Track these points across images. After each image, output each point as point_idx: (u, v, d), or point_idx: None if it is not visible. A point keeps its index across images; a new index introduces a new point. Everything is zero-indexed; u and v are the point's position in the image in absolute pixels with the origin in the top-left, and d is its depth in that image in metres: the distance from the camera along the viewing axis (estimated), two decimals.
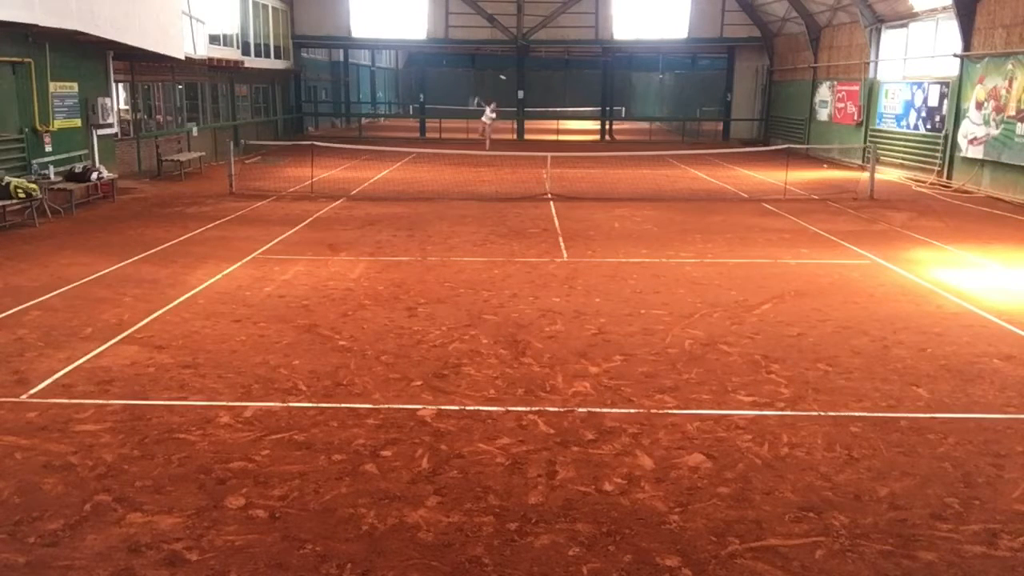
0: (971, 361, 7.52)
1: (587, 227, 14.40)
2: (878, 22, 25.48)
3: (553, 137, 37.14)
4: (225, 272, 10.74)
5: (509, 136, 36.49)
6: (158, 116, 24.17)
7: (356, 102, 48.45)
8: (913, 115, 23.18)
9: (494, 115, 31.27)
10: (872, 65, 25.88)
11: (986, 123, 19.25)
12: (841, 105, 28.01)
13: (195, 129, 25.47)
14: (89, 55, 18.30)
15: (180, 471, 5.26)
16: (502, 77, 41.94)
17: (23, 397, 6.47)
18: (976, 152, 19.65)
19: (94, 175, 16.54)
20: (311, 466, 5.34)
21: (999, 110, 18.69)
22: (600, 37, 36.23)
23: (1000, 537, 4.59)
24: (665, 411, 6.30)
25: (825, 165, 26.46)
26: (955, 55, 20.53)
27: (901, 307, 9.38)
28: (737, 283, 10.37)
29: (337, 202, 17.38)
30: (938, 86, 21.87)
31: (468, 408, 6.32)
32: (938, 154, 21.55)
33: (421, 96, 41.28)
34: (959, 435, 5.91)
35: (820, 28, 29.83)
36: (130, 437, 5.75)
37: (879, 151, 22.29)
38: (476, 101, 30.73)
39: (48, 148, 16.49)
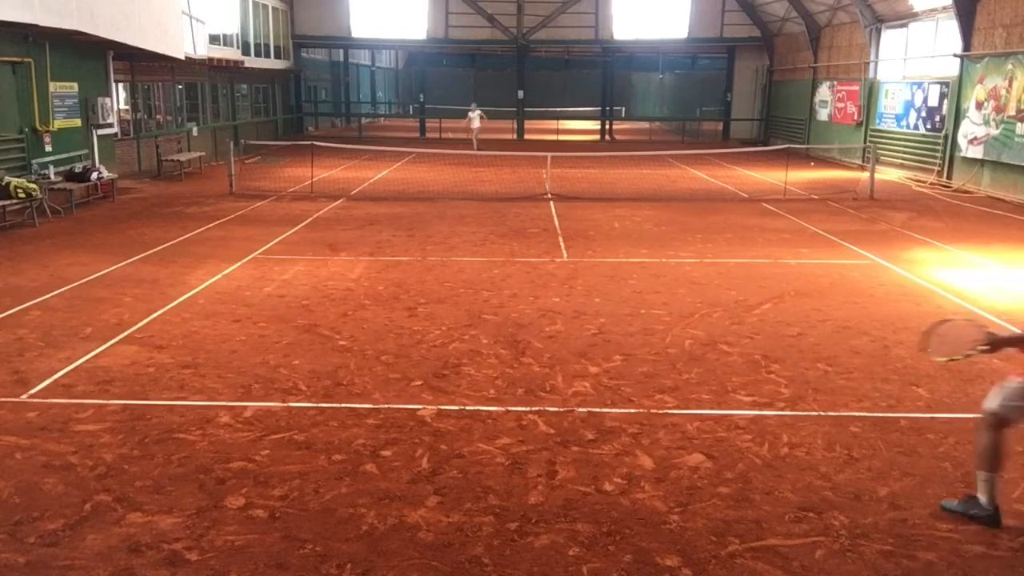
0: (971, 361, 7.50)
1: (587, 227, 14.40)
2: (878, 22, 25.48)
3: (553, 137, 37.15)
4: (225, 272, 10.74)
5: (509, 136, 36.53)
6: (158, 116, 24.18)
7: (356, 102, 48.47)
8: (913, 115, 23.19)
9: (476, 114, 31.34)
10: (872, 65, 25.88)
11: (986, 123, 19.25)
12: (841, 105, 28.01)
13: (195, 129, 25.48)
14: (89, 55, 18.30)
15: (180, 471, 5.26)
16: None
17: (23, 397, 6.47)
18: (976, 152, 19.65)
19: (94, 175, 16.54)
20: (311, 466, 5.34)
21: (999, 110, 18.69)
22: (600, 37, 36.25)
23: (1000, 537, 4.59)
24: (665, 411, 6.29)
25: (812, 164, 26.46)
26: (955, 55, 20.53)
27: (901, 307, 9.37)
28: (737, 283, 10.37)
29: (337, 202, 17.38)
30: (938, 86, 21.87)
31: (468, 408, 6.32)
32: (938, 154, 21.55)
33: (421, 96, 41.30)
34: (959, 435, 5.91)
35: (820, 28, 29.83)
36: (130, 437, 5.75)
37: (879, 151, 22.29)
38: (473, 106, 31.40)
39: (48, 148, 16.50)
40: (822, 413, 6.29)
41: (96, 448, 5.57)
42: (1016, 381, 4.79)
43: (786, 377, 7.05)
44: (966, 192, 19.56)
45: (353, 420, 6.08)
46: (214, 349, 7.65)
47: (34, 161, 15.83)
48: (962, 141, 20.30)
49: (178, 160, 22.25)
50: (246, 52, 28.52)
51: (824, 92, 29.53)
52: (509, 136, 36.54)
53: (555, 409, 6.30)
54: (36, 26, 14.28)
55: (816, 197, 18.71)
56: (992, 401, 4.82)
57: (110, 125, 19.22)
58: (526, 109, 37.99)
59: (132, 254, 11.77)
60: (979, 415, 4.88)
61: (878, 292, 10.05)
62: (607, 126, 40.10)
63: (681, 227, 14.57)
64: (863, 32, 26.12)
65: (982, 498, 4.78)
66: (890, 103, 24.74)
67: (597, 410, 6.30)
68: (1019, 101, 17.94)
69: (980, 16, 19.67)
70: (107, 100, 18.85)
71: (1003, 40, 18.79)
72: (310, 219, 15.10)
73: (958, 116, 20.47)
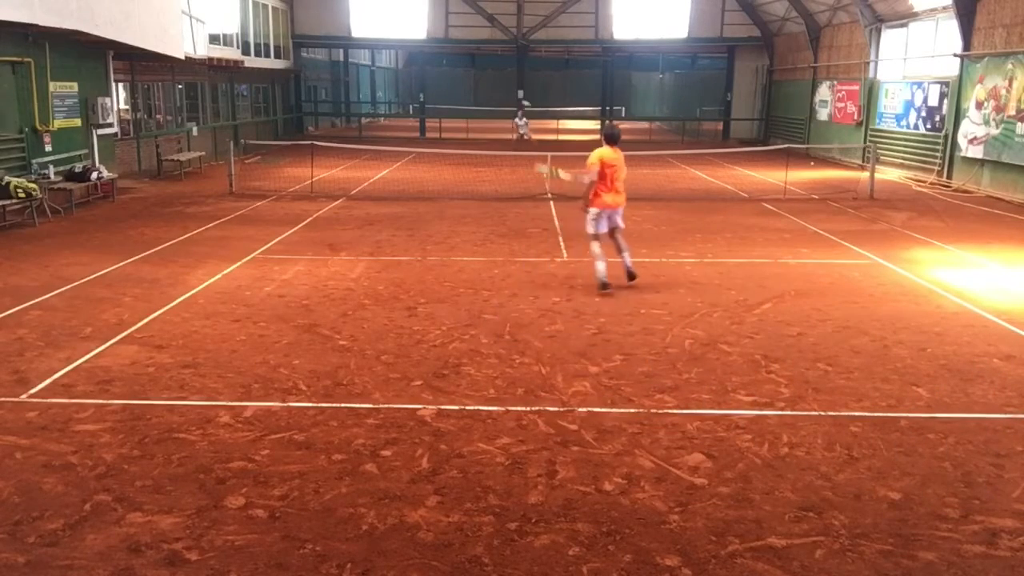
0: (971, 361, 7.51)
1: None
2: (878, 22, 25.48)
3: (553, 137, 37.15)
4: (225, 272, 10.74)
5: (509, 136, 36.48)
6: (158, 116, 24.18)
7: (356, 102, 48.47)
8: (913, 115, 23.18)
9: (523, 121, 32.54)
10: (872, 65, 25.88)
11: (986, 123, 19.25)
12: (841, 105, 28.01)
13: (195, 129, 25.48)
14: (89, 55, 18.30)
15: (180, 471, 5.26)
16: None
17: (23, 397, 6.46)
18: (976, 152, 19.65)
19: (94, 175, 16.54)
20: (311, 466, 5.34)
21: (999, 110, 18.69)
22: (600, 37, 36.25)
23: (1000, 537, 4.59)
24: (665, 411, 6.29)
25: (812, 163, 26.47)
26: (955, 55, 20.53)
27: (901, 307, 9.37)
28: (737, 283, 10.37)
29: (337, 202, 17.38)
30: (938, 86, 21.87)
31: (468, 408, 6.32)
32: (938, 154, 21.55)
33: (421, 96, 41.31)
34: (959, 435, 5.91)
35: (820, 28, 29.83)
36: (130, 437, 5.75)
37: (879, 151, 22.29)
38: (522, 95, 32.47)
39: (48, 148, 16.50)
40: (822, 413, 6.28)
41: (96, 448, 5.57)
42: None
43: (786, 377, 7.05)
44: (966, 192, 19.56)
45: (353, 420, 6.07)
46: (214, 349, 7.65)
47: (34, 161, 15.83)
48: (962, 141, 20.29)
49: (178, 160, 22.25)
50: (246, 52, 28.52)
51: (824, 92, 29.53)
52: (509, 136, 36.50)
53: (555, 409, 6.30)
54: (36, 26, 14.28)
55: (816, 197, 18.70)
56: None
57: (110, 125, 19.21)
58: (526, 109, 37.95)
59: (132, 254, 11.77)
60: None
61: (878, 292, 10.05)
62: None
63: (681, 227, 14.57)
64: (863, 32, 26.12)
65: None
66: (890, 103, 24.73)
67: (597, 410, 6.30)
68: (1019, 101, 17.94)
69: (980, 16, 19.67)
70: (107, 100, 18.84)
71: (1003, 40, 18.79)
72: (310, 219, 15.10)
73: (958, 116, 20.47)
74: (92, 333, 8.06)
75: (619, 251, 10.09)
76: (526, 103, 32.30)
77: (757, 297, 9.68)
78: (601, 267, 9.80)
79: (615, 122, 9.78)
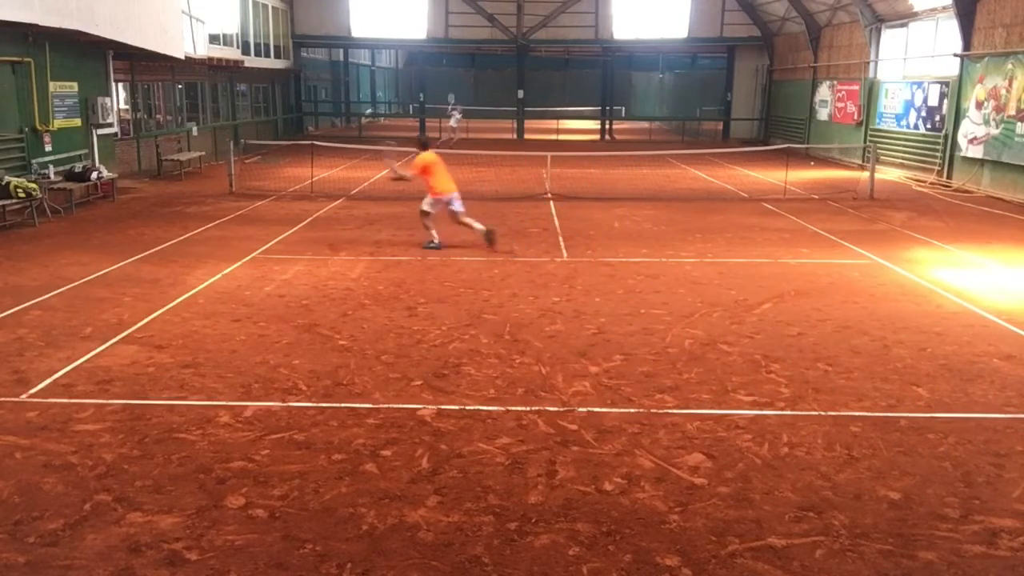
0: (971, 361, 7.51)
1: (587, 227, 14.39)
2: (878, 22, 25.48)
3: (553, 137, 37.15)
4: (225, 272, 10.74)
5: (509, 136, 36.52)
6: (158, 116, 24.19)
7: (356, 101, 48.46)
8: (913, 115, 23.18)
9: (458, 114, 32.48)
10: (872, 65, 25.88)
11: (986, 123, 19.25)
12: (841, 105, 28.01)
13: (195, 129, 25.48)
14: (89, 55, 18.30)
15: (180, 471, 5.26)
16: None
17: (23, 397, 6.46)
18: (976, 152, 19.65)
19: (94, 175, 16.53)
20: (311, 466, 5.34)
21: (999, 109, 18.69)
22: (600, 37, 36.25)
23: (1000, 537, 4.59)
24: (665, 411, 6.29)
25: (812, 163, 26.47)
26: (955, 55, 20.53)
27: (901, 307, 9.37)
28: (737, 283, 10.37)
29: (337, 202, 17.38)
30: (938, 86, 21.87)
31: (468, 408, 6.32)
32: (938, 154, 21.55)
33: (421, 95, 41.30)
34: (959, 435, 5.91)
35: (820, 28, 29.83)
36: (130, 437, 5.75)
37: (879, 151, 22.29)
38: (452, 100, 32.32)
39: (48, 148, 16.50)
40: (822, 413, 6.28)
41: (96, 448, 5.57)
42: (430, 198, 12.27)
43: (786, 377, 7.05)
44: (966, 192, 19.56)
45: (353, 420, 6.08)
46: (214, 349, 7.65)
47: (34, 161, 15.83)
48: (962, 141, 20.29)
49: (178, 160, 22.24)
50: (246, 52, 28.52)
51: (824, 92, 29.53)
52: (509, 136, 36.53)
53: (555, 409, 6.30)
54: (36, 26, 14.28)
55: (816, 197, 18.70)
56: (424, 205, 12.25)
57: (110, 125, 19.22)
58: (526, 109, 37.98)
59: (132, 254, 11.77)
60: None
61: (878, 292, 10.05)
62: (607, 126, 40.09)
63: (681, 227, 14.57)
64: (863, 32, 26.12)
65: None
66: (890, 103, 24.74)
67: (597, 410, 6.30)
68: (1019, 101, 17.94)
69: (980, 16, 19.67)
70: (107, 100, 18.84)
71: (1003, 40, 18.79)
72: (310, 219, 15.10)
73: (958, 116, 20.47)
74: (92, 333, 8.06)
75: (469, 227, 12.38)
76: (453, 106, 32.46)
77: (757, 297, 9.69)
78: (434, 234, 12.43)
79: (424, 135, 14.98)
